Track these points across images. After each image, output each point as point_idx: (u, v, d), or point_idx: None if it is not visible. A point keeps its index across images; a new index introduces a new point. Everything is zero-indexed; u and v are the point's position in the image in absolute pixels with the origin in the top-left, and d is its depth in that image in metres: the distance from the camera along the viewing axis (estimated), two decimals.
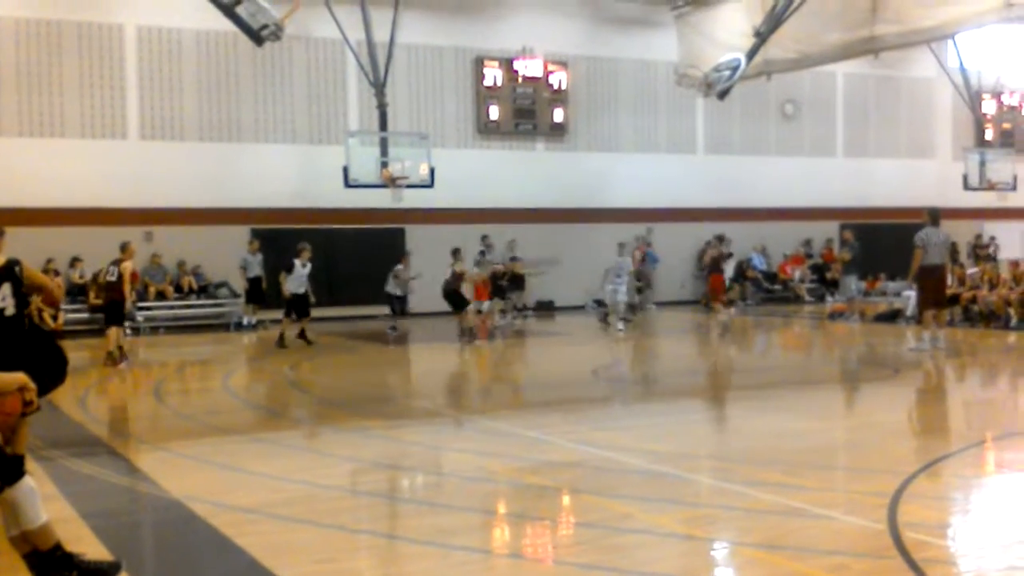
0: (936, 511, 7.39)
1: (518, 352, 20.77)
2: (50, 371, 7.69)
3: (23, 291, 7.99)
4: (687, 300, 30.00)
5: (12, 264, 8.08)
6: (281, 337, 20.18)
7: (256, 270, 24.28)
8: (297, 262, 20.33)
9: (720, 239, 22.79)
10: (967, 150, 30.79)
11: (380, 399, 13.88)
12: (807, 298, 30.15)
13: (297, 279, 20.32)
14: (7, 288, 7.92)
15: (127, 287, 17.50)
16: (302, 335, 20.54)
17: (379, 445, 10.38)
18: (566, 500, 8.00)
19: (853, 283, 24.55)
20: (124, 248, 17.57)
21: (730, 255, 25.21)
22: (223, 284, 25.36)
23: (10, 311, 7.90)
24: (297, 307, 20.57)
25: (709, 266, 26.17)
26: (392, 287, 22.73)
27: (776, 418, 11.39)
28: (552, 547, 6.80)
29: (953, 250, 24.12)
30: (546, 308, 28.33)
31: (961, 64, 30.17)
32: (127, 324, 23.14)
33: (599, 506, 7.57)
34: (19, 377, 5.52)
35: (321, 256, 25.27)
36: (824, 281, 30.37)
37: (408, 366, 18.95)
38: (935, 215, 17.28)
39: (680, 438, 10.43)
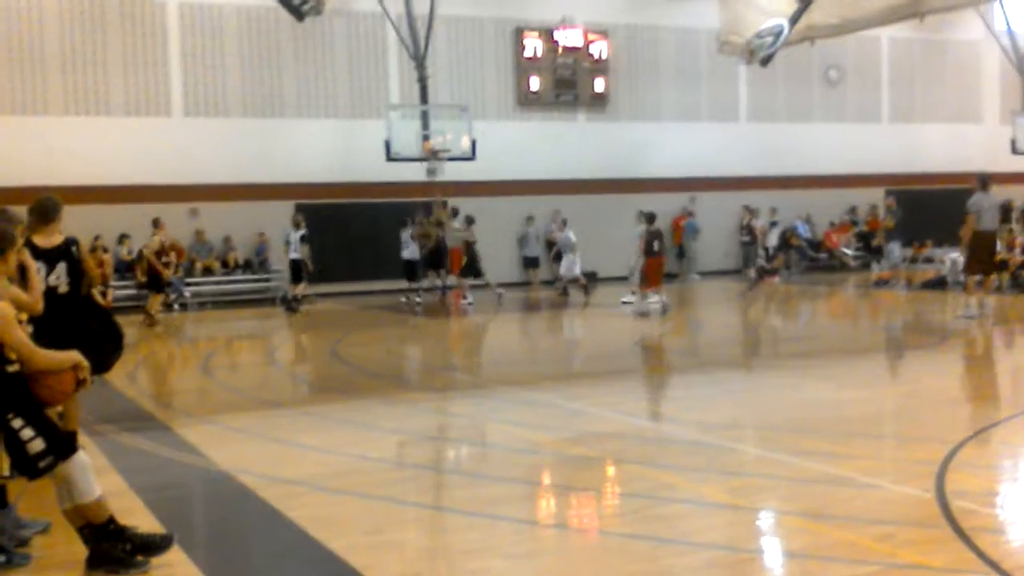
0: (985, 479, 7.33)
1: (559, 323, 20.77)
2: (106, 347, 7.83)
3: (79, 271, 8.12)
4: (731, 269, 29.82)
5: (69, 243, 8.21)
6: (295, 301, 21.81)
7: None
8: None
9: (651, 219, 19.55)
10: (1015, 114, 30.26)
11: (423, 371, 13.96)
12: (851, 265, 29.88)
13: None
14: (62, 267, 8.05)
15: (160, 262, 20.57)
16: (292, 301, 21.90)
17: (424, 417, 10.45)
18: (610, 470, 8.04)
19: (897, 250, 24.29)
20: (155, 224, 20.73)
21: (658, 232, 19.29)
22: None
23: (63, 288, 8.03)
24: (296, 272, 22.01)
25: (645, 249, 19.85)
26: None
27: (821, 387, 11.33)
28: (597, 517, 6.85)
29: (1006, 212, 23.61)
30: (589, 279, 28.21)
31: (1008, 26, 29.62)
32: (175, 299, 23.58)
33: (643, 476, 7.59)
34: (73, 355, 5.61)
35: (364, 230, 25.45)
36: (869, 248, 30.07)
37: (449, 339, 19.00)
38: (985, 180, 17.03)
39: (723, 408, 10.40)
